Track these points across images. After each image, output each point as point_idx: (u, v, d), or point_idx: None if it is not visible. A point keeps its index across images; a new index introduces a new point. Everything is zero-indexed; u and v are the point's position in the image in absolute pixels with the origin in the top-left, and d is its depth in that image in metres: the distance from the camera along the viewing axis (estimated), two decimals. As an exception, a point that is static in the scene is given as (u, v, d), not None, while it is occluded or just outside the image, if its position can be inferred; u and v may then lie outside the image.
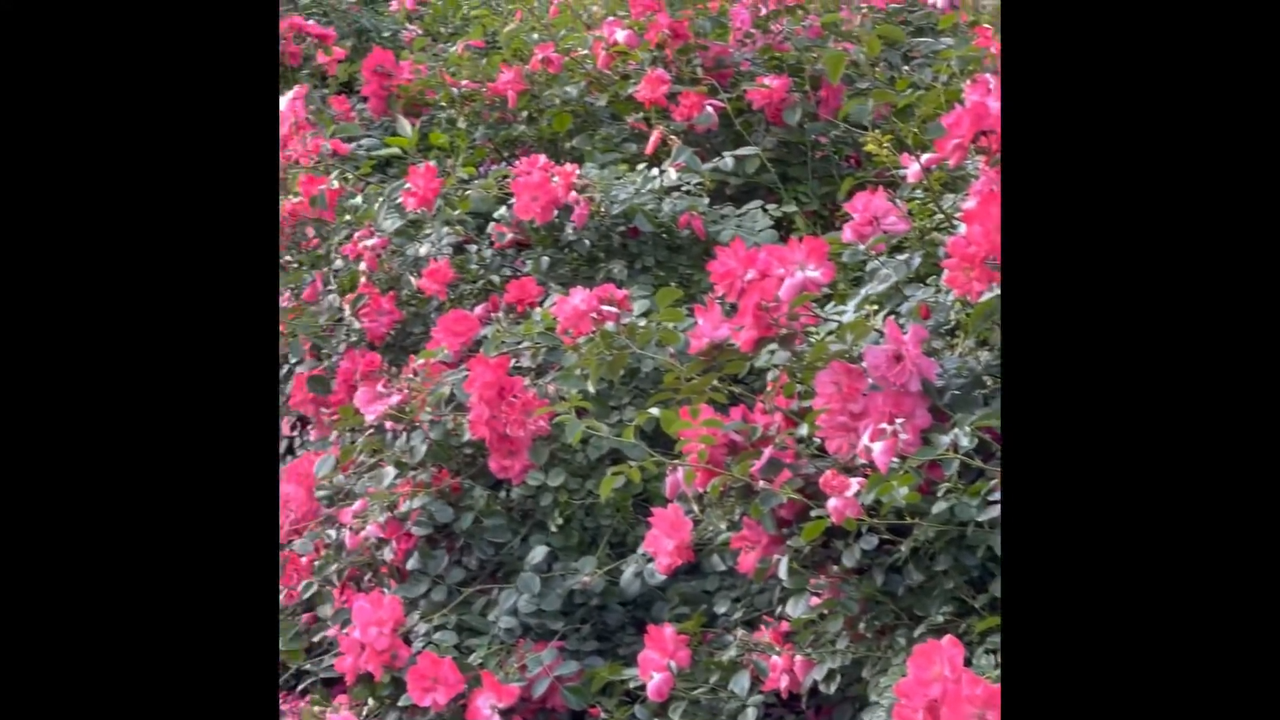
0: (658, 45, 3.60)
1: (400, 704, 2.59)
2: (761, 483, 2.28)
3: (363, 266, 3.23)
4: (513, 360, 2.79)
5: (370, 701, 2.65)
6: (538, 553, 2.69)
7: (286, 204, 3.40)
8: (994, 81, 2.38)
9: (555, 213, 3.10)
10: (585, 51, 3.66)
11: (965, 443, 2.17)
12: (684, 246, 3.16)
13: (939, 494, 2.15)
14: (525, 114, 3.67)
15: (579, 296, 2.63)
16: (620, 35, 3.60)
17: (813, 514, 2.22)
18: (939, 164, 2.48)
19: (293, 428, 3.59)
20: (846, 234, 2.53)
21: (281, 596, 2.90)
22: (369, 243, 3.24)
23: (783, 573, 2.27)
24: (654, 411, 2.40)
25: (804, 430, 2.30)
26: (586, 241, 3.14)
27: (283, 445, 3.62)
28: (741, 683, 2.38)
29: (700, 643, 2.51)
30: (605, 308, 2.61)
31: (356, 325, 3.17)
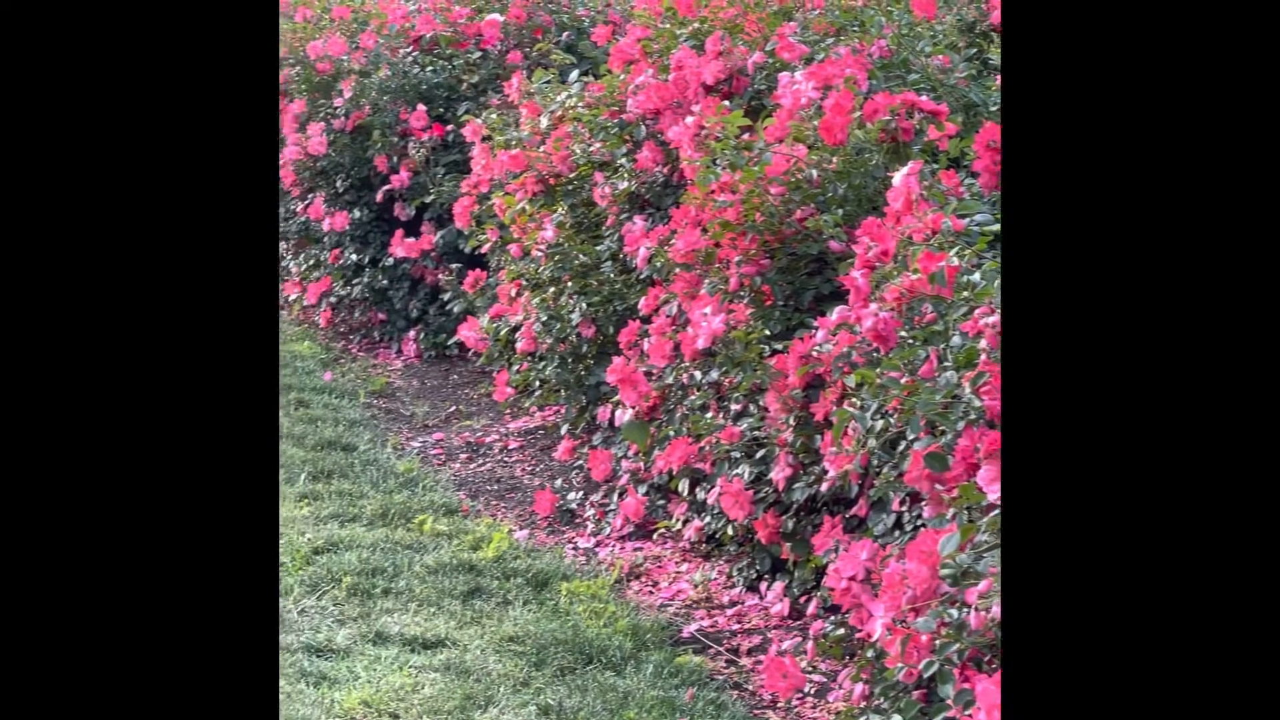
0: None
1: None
2: None
3: (983, 344, 3.21)
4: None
5: (994, 786, 2.61)
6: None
7: (904, 279, 3.41)
8: None
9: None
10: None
11: None
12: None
13: None
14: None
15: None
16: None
17: None
18: None
19: (902, 503, 3.59)
20: None
21: (900, 674, 2.90)
22: (989, 320, 3.21)
23: None
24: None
25: None
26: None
27: (890, 519, 3.63)
28: None
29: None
30: None
31: (976, 403, 3.14)
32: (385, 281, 6.75)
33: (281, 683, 3.70)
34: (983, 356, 3.21)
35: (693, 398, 4.33)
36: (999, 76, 4.81)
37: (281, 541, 4.55)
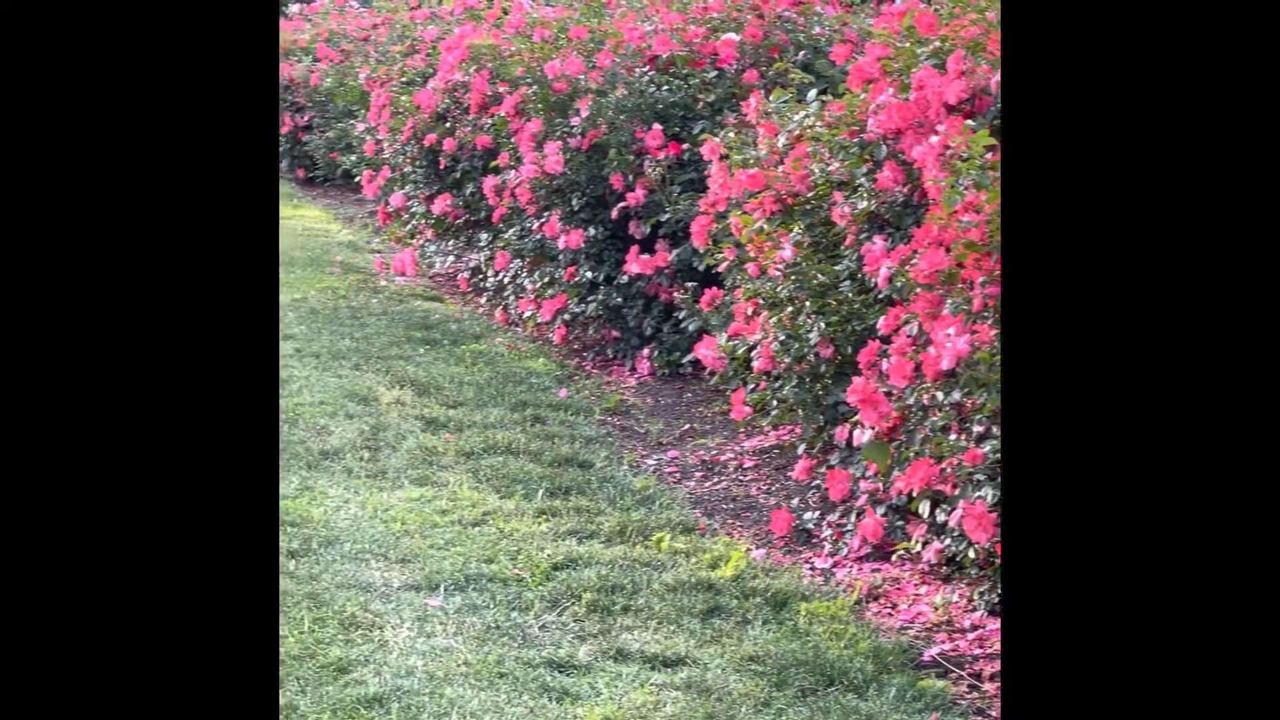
0: None
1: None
2: None
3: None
4: None
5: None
6: None
7: None
8: None
9: None
10: None
11: None
12: None
13: None
14: None
15: None
16: None
17: None
18: None
19: None
20: None
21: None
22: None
23: None
24: None
25: None
26: None
27: None
28: None
29: None
30: None
31: (1235, 429, 3.08)
32: (619, 299, 6.80)
33: (524, 697, 3.74)
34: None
35: (934, 419, 4.30)
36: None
37: (520, 556, 4.60)
